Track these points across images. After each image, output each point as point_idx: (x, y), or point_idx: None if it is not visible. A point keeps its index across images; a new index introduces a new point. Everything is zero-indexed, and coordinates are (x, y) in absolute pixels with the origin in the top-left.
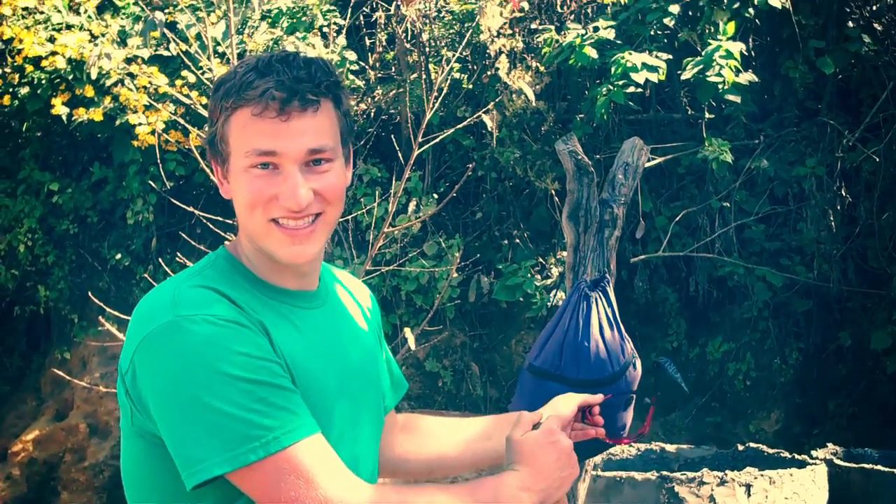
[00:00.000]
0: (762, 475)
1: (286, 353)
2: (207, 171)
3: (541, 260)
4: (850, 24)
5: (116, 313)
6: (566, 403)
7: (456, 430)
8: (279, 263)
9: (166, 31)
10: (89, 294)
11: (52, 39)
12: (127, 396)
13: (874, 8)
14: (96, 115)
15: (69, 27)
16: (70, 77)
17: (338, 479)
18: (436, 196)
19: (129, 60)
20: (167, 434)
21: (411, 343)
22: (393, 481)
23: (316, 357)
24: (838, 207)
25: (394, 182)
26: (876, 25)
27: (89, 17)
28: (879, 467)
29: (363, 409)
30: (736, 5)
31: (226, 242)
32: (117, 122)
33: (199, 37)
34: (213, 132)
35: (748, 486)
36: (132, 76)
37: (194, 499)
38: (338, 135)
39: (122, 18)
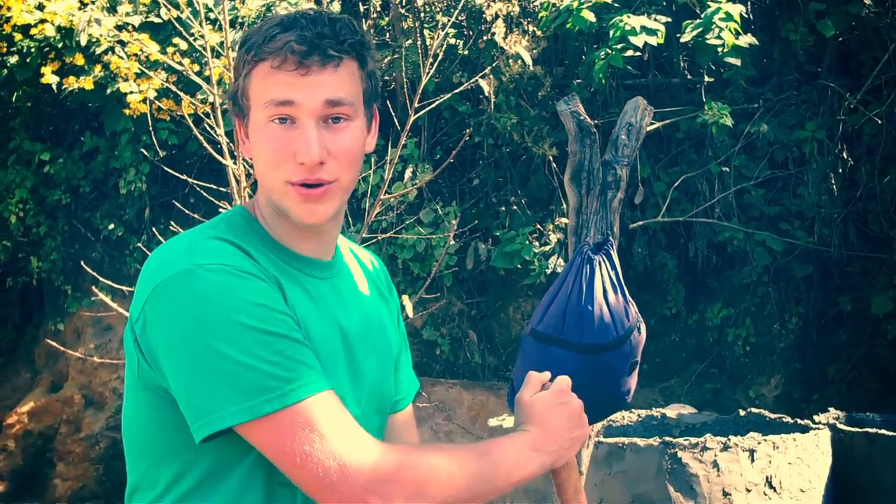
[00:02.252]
0: (765, 440)
1: (299, 311)
2: (201, 138)
3: (538, 226)
4: None
5: (110, 283)
6: None
7: None
8: (296, 224)
9: None
10: (82, 264)
11: (40, 7)
12: (135, 345)
13: None
14: (87, 83)
15: None
16: (60, 45)
17: (351, 435)
18: (431, 164)
19: (119, 28)
20: (178, 383)
21: (409, 311)
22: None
23: (325, 325)
24: (839, 171)
25: (389, 149)
26: None
27: None
28: (883, 431)
29: (366, 387)
30: None
31: (246, 202)
32: (108, 91)
33: (190, 3)
34: (236, 87)
35: (752, 452)
36: (123, 44)
37: (196, 455)
38: (360, 94)
39: None
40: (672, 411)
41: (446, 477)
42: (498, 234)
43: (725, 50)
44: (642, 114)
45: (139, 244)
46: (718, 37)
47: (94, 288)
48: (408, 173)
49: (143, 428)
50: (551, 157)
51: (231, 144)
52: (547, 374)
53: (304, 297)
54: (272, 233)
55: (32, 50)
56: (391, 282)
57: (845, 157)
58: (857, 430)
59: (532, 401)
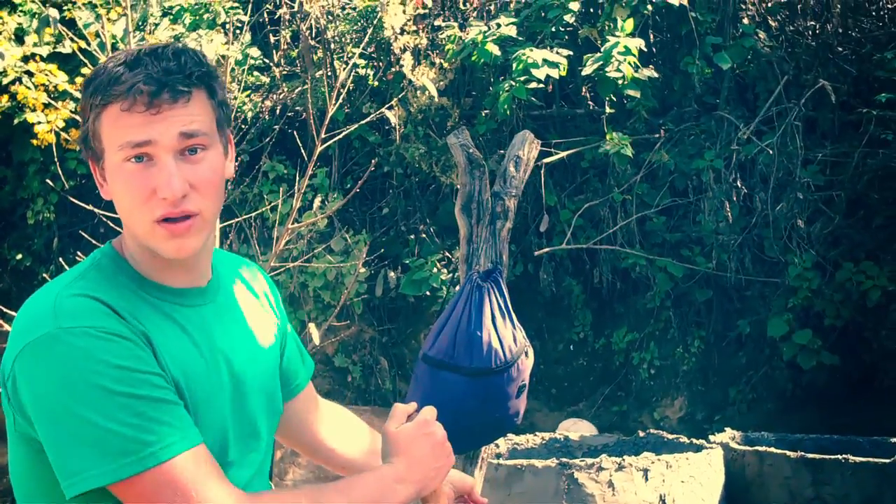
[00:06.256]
0: (659, 460)
1: (173, 357)
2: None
3: (447, 254)
4: (746, 20)
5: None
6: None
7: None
8: (165, 260)
9: (62, 27)
10: None
11: None
12: (9, 404)
13: (769, 4)
14: None
15: None
16: None
17: (215, 492)
18: (342, 193)
19: (26, 58)
20: (47, 444)
21: (315, 338)
22: (273, 485)
23: (204, 357)
24: (735, 199)
25: (297, 178)
26: (770, 22)
27: None
28: (772, 449)
29: (255, 405)
30: (634, 2)
31: (113, 240)
32: (15, 121)
33: (98, 34)
34: (86, 130)
35: (645, 471)
36: (30, 74)
37: (87, 500)
38: (213, 123)
39: (19, 16)
40: (575, 434)
41: None
42: (407, 261)
43: (625, 82)
44: (530, 146)
45: (46, 275)
46: (618, 69)
47: None
48: (317, 202)
49: (30, 476)
50: (458, 188)
51: None
52: (412, 405)
53: (179, 336)
54: (141, 270)
55: None
56: (276, 290)
57: (740, 185)
58: (749, 448)
59: (397, 433)
